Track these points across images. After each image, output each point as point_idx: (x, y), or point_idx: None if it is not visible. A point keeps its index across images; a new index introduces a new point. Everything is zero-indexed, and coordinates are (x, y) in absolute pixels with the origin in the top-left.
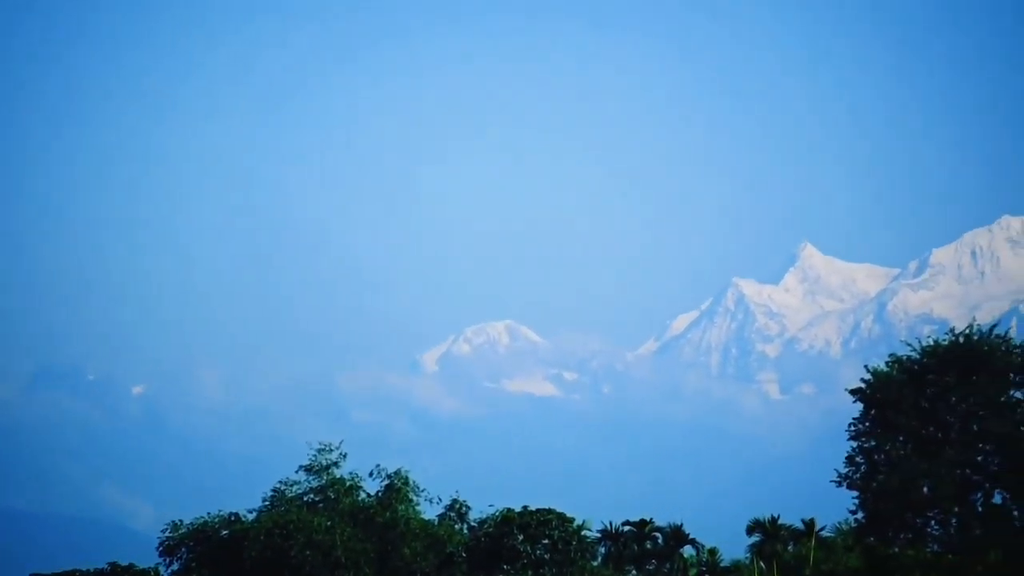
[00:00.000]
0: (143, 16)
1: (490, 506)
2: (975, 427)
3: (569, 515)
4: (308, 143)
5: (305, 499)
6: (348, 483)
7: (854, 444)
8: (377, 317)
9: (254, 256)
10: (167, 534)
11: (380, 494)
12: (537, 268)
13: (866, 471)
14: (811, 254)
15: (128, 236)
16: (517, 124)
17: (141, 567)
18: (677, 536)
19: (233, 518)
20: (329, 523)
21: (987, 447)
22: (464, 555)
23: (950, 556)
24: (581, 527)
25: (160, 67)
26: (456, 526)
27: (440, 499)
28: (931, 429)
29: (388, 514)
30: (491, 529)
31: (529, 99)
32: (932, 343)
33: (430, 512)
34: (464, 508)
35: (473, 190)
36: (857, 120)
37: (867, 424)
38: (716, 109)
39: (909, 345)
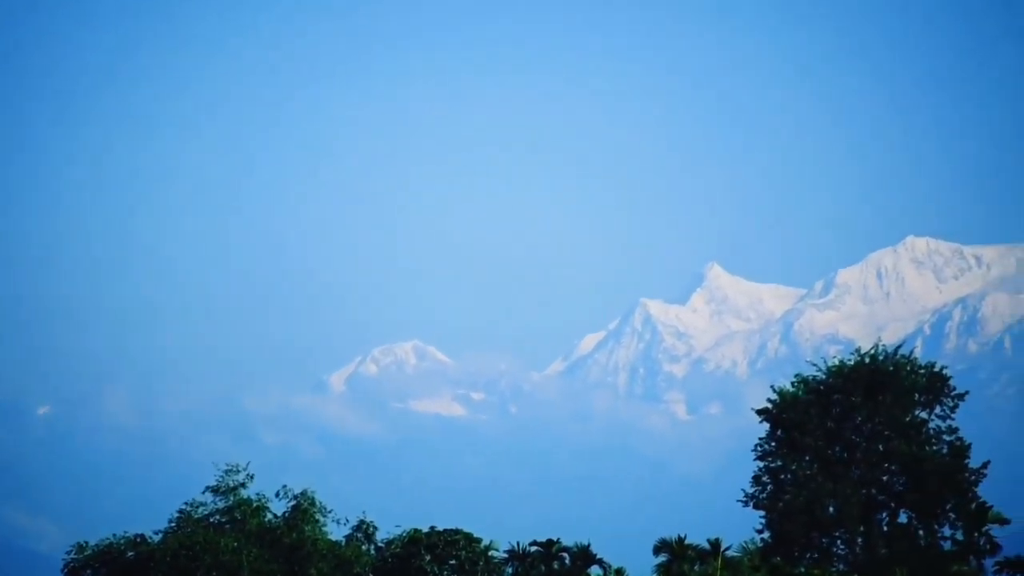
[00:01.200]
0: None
1: (397, 527)
2: (880, 447)
3: (476, 535)
4: (203, 164)
5: (212, 520)
6: (255, 504)
7: (760, 464)
8: (284, 338)
9: (160, 277)
10: (72, 556)
11: (287, 515)
12: (444, 288)
13: (772, 491)
14: (718, 274)
15: (36, 255)
16: (419, 143)
17: None
18: (584, 556)
19: (139, 539)
20: (236, 544)
21: (892, 467)
22: None
23: (855, 575)
24: (488, 548)
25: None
26: (363, 547)
27: (347, 520)
28: (837, 449)
29: (295, 535)
30: (398, 550)
31: (432, 116)
32: (838, 363)
33: (337, 533)
34: (371, 529)
35: (377, 211)
36: (762, 140)
37: (773, 444)
38: (621, 130)
39: (815, 365)
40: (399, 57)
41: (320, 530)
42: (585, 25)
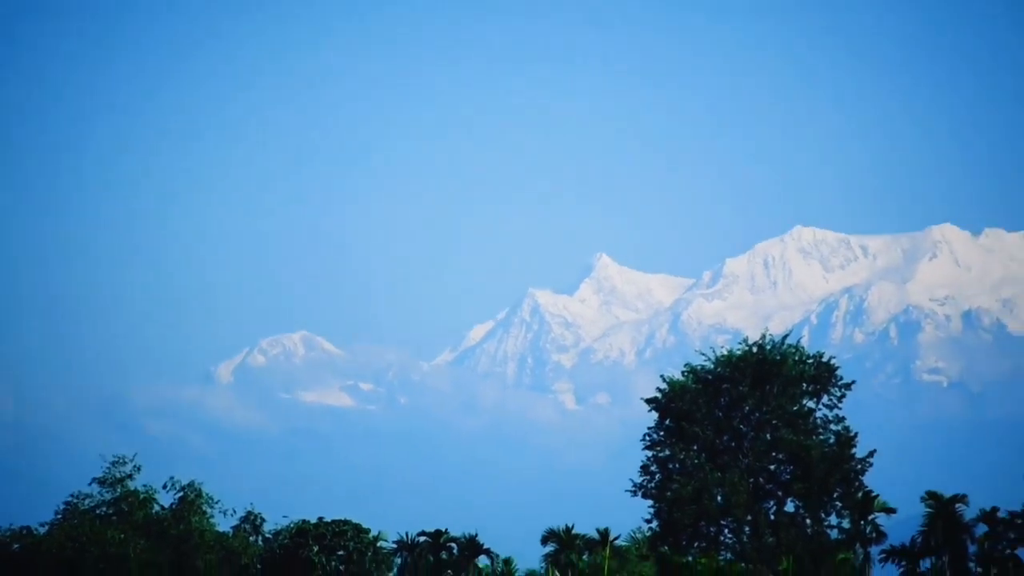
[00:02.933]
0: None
1: (285, 518)
2: (768, 436)
3: (365, 526)
4: (93, 157)
5: (99, 512)
6: (142, 496)
7: (649, 453)
8: (170, 329)
9: (44, 268)
10: None
11: (174, 506)
12: (333, 279)
13: (660, 480)
14: (606, 264)
15: None
16: (308, 134)
17: None
18: (472, 546)
19: (25, 532)
20: (123, 536)
21: (780, 456)
22: (259, 567)
23: (743, 564)
24: (377, 538)
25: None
26: (251, 538)
27: (234, 511)
28: (725, 438)
29: (182, 526)
30: (286, 541)
31: (319, 105)
32: (726, 353)
33: (224, 524)
34: (259, 520)
35: (265, 201)
36: (649, 131)
37: (662, 433)
38: (507, 121)
39: (703, 355)
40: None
41: (207, 521)
42: (462, 13)
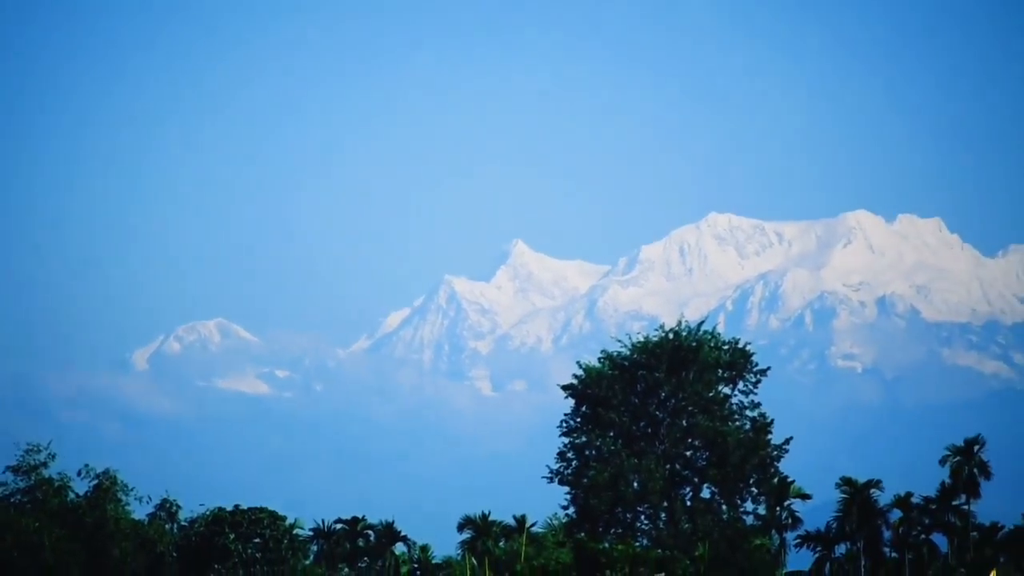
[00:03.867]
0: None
1: (201, 505)
2: (684, 423)
3: (281, 513)
4: (17, 142)
5: (12, 500)
6: (56, 483)
7: (565, 440)
8: (85, 315)
9: None
10: None
11: (89, 494)
12: (248, 265)
13: (577, 467)
14: (523, 251)
15: None
16: (224, 119)
17: None
18: (389, 533)
19: None
20: (37, 524)
21: (696, 442)
22: (175, 555)
23: (659, 550)
24: (293, 525)
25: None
26: (166, 526)
27: (149, 498)
28: (641, 424)
29: (97, 514)
30: (202, 528)
31: (230, 96)
32: (642, 339)
33: (139, 511)
34: (174, 507)
35: (182, 189)
36: (566, 117)
37: (578, 420)
38: (425, 107)
39: (620, 341)
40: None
41: (123, 509)
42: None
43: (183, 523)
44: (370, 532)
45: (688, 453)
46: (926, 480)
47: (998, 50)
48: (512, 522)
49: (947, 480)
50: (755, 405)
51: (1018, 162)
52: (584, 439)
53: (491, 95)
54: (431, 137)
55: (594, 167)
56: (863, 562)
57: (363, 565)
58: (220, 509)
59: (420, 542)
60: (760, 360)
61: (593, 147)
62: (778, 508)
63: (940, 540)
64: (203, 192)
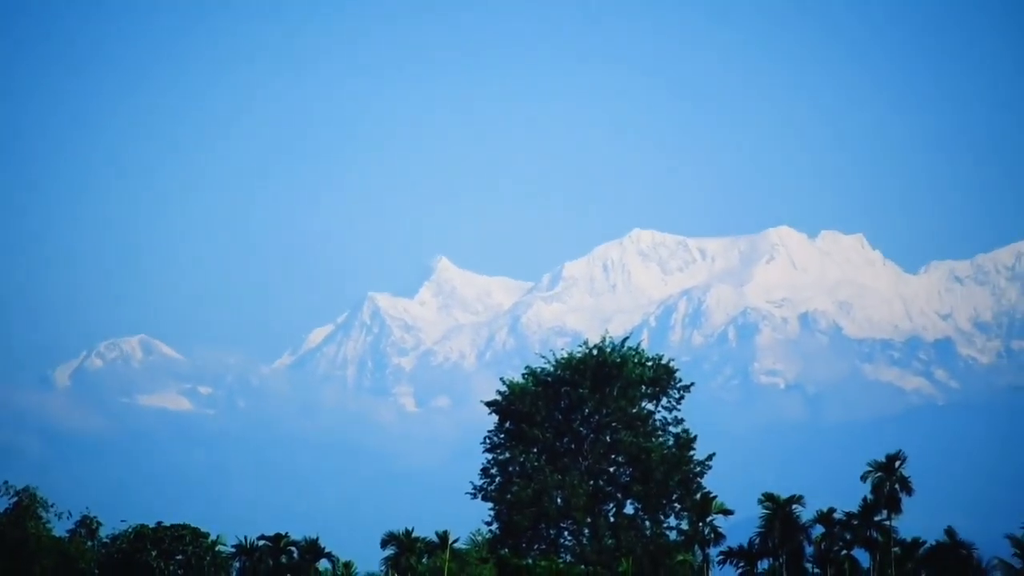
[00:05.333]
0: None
1: (123, 522)
2: (608, 438)
3: (204, 531)
4: None
5: None
6: None
7: (489, 456)
8: (6, 331)
9: None
10: None
11: (9, 511)
12: (171, 282)
13: (501, 483)
14: (446, 267)
15: None
16: (147, 136)
17: None
18: (312, 550)
19: None
20: None
21: (619, 458)
22: (97, 572)
23: (582, 566)
24: (215, 542)
25: None
26: (87, 543)
27: (70, 514)
28: (565, 440)
29: (18, 532)
30: (124, 545)
31: (148, 110)
32: (566, 355)
33: (60, 528)
34: (95, 524)
35: (103, 205)
36: (489, 133)
37: (502, 436)
38: (348, 123)
39: (544, 357)
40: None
41: (43, 527)
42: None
43: (104, 540)
44: (293, 549)
45: (612, 469)
46: (848, 495)
47: (922, 69)
48: (435, 538)
49: (869, 496)
50: (678, 421)
51: (940, 179)
52: (508, 455)
53: (414, 112)
54: (355, 154)
55: (518, 183)
56: None
57: None
58: (142, 526)
59: (343, 558)
60: (683, 376)
61: (517, 163)
62: (701, 524)
63: (862, 556)
64: (125, 208)
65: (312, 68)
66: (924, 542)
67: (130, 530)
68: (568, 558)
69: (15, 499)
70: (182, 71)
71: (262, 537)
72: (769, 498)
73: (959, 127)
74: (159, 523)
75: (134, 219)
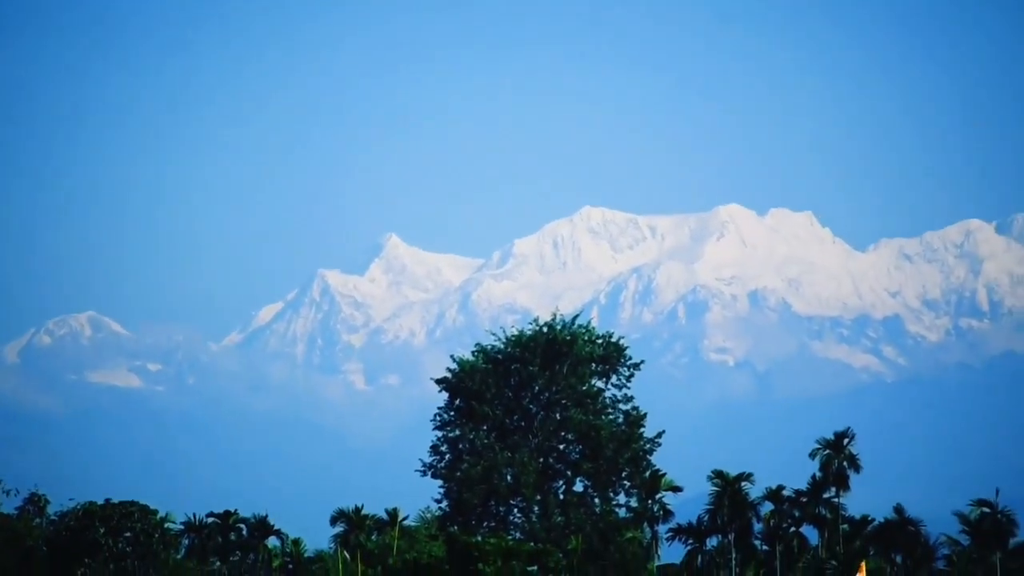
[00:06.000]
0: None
1: (71, 500)
2: (558, 416)
3: (152, 507)
4: None
5: None
6: None
7: (439, 433)
8: None
9: None
10: None
11: None
12: (119, 257)
13: (450, 460)
14: (396, 245)
15: None
16: (94, 111)
17: None
18: (262, 527)
19: None
20: None
21: (569, 436)
22: (45, 548)
23: (532, 544)
24: (164, 519)
25: None
26: (36, 520)
27: (17, 491)
28: (515, 418)
29: None
30: (72, 523)
31: (98, 82)
32: (516, 333)
33: (8, 505)
34: (43, 502)
35: (52, 181)
36: (439, 110)
37: (452, 413)
38: (298, 102)
39: (494, 335)
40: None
41: None
42: None
43: (52, 517)
44: (242, 526)
45: (561, 447)
46: (797, 473)
47: (870, 47)
48: (385, 516)
49: (817, 473)
50: (628, 399)
51: (888, 157)
52: (457, 433)
53: (363, 90)
54: (304, 131)
55: (468, 161)
56: (734, 555)
57: (235, 559)
58: (91, 503)
59: (292, 536)
60: (633, 354)
61: (467, 141)
62: (650, 501)
63: (811, 533)
64: (72, 185)
65: (260, 48)
66: (872, 519)
67: (78, 507)
68: (517, 535)
69: None
70: (131, 53)
71: (211, 514)
72: (718, 475)
73: (908, 105)
74: (108, 500)
75: (83, 197)
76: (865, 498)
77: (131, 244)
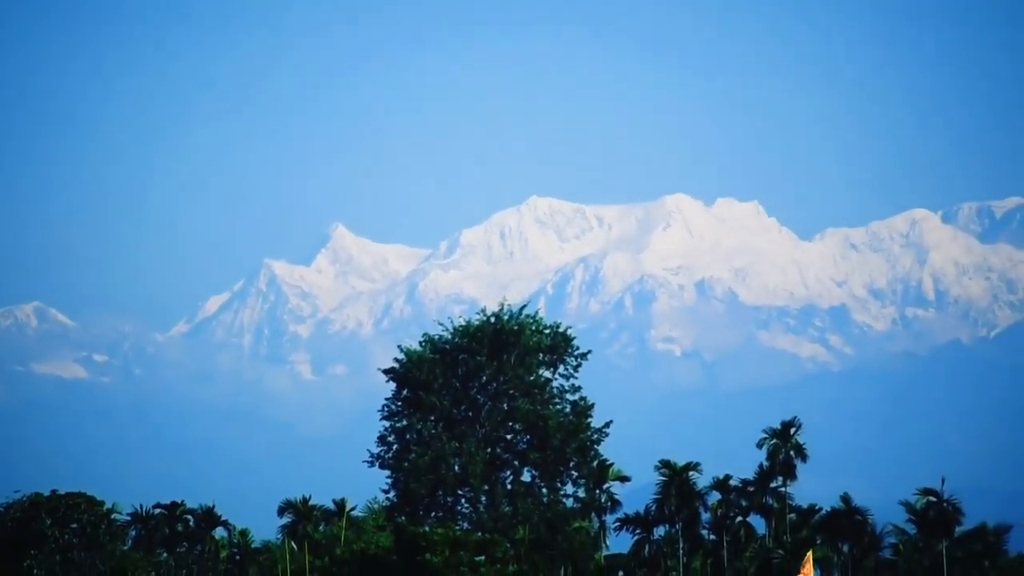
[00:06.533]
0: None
1: (16, 492)
2: (505, 406)
3: (99, 499)
4: None
5: None
6: None
7: (386, 424)
8: None
9: None
10: None
11: None
12: (65, 248)
13: (398, 450)
14: (343, 235)
15: None
16: (48, 108)
17: None
18: (209, 518)
19: None
20: None
21: (516, 426)
22: None
23: (480, 534)
24: (111, 510)
25: None
26: None
27: None
28: (462, 408)
29: None
30: (18, 514)
31: (57, 82)
32: (463, 323)
33: None
34: None
35: (1, 170)
36: (386, 100)
37: (399, 404)
38: (244, 92)
39: (441, 325)
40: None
41: None
42: None
43: None
44: (189, 517)
45: (509, 437)
46: (744, 462)
47: (817, 40)
48: (332, 506)
49: (765, 462)
50: (576, 389)
51: (834, 147)
52: (405, 423)
53: (309, 77)
54: (251, 120)
55: (415, 150)
56: (681, 544)
57: (182, 550)
58: (37, 494)
59: (240, 526)
60: (581, 344)
61: (414, 130)
62: (598, 491)
63: (758, 522)
64: (18, 175)
65: (206, 31)
66: (819, 508)
67: (24, 499)
68: (465, 525)
69: None
70: (78, 47)
71: (158, 505)
72: (666, 465)
73: (853, 95)
74: (54, 491)
75: (28, 186)
76: (812, 487)
77: (77, 234)
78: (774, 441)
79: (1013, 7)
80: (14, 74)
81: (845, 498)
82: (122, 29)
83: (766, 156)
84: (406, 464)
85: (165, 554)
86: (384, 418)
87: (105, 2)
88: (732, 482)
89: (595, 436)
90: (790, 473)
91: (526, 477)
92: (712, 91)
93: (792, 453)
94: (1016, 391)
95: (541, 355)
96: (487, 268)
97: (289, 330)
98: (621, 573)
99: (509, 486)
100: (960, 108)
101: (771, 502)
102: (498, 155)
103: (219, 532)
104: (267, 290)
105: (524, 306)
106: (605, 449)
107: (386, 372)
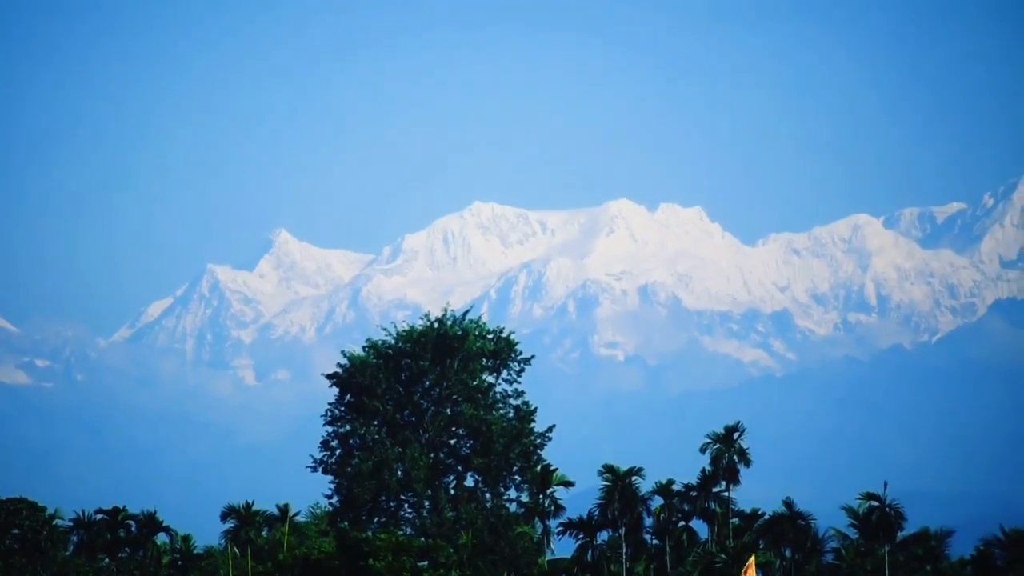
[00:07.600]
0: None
1: None
2: (448, 411)
3: (41, 504)
4: None
5: None
6: None
7: (330, 429)
8: None
9: None
10: None
11: None
12: (7, 253)
13: (341, 455)
14: (286, 240)
15: None
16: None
17: None
18: (151, 523)
19: None
20: None
21: (460, 431)
22: None
23: (423, 539)
24: (53, 516)
25: None
26: None
27: None
28: (406, 413)
29: None
30: None
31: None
32: (407, 328)
33: None
34: None
35: None
36: (330, 106)
37: (343, 409)
38: (189, 96)
39: (385, 330)
40: None
41: None
42: None
43: None
44: (131, 522)
45: (452, 442)
46: (687, 467)
47: (761, 48)
48: (275, 511)
49: (708, 467)
50: (519, 394)
51: (777, 153)
52: (348, 428)
53: (252, 83)
54: (194, 126)
55: (358, 156)
56: (625, 549)
57: (124, 555)
58: None
59: (182, 532)
60: (524, 349)
61: (357, 136)
62: (541, 496)
63: (700, 527)
64: None
65: (149, 42)
66: (762, 513)
67: None
68: (408, 531)
69: None
70: (14, 51)
71: (99, 511)
72: (609, 470)
73: (795, 102)
74: None
75: None
76: (755, 492)
77: (19, 240)
78: (717, 446)
79: (954, 14)
80: None
81: (788, 503)
82: (61, 31)
83: (709, 162)
84: (349, 469)
85: (107, 560)
86: (327, 423)
87: (58, 4)
88: (675, 487)
89: (538, 441)
90: (733, 478)
91: (469, 482)
92: (655, 97)
93: (735, 458)
94: (957, 396)
95: (484, 360)
96: (430, 273)
97: (232, 335)
98: None
99: (452, 491)
100: (901, 114)
101: (714, 507)
102: (441, 160)
103: (161, 537)
104: (210, 295)
105: (467, 311)
106: (548, 454)
107: (329, 377)
